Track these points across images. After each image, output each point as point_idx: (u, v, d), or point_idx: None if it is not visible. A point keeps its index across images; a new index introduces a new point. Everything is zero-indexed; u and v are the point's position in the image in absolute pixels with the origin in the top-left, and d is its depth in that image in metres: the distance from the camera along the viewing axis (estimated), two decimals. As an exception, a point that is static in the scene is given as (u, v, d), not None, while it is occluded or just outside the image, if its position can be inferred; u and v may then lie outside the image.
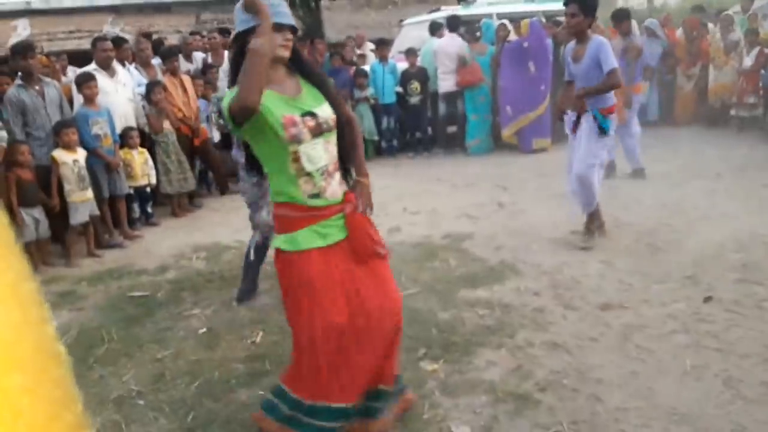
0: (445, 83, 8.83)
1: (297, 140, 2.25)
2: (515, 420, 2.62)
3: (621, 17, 7.13)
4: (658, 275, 4.06)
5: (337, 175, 2.39)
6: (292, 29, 2.33)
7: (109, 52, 6.12)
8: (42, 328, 0.70)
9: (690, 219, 5.14)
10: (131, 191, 6.08)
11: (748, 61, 8.65)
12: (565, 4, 4.47)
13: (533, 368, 3.01)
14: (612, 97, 4.55)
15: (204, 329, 3.73)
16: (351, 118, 2.58)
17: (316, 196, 2.31)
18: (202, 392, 3.01)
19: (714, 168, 6.79)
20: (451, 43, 8.44)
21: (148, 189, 6.35)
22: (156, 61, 7.27)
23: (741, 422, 2.49)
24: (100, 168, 5.63)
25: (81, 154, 5.34)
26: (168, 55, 7.16)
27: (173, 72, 7.00)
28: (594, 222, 4.79)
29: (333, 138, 2.39)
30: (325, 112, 2.36)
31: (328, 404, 2.37)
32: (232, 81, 2.37)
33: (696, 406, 2.62)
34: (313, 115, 2.31)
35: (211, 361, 3.32)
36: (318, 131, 2.31)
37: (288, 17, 2.31)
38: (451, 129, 9.31)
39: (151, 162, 6.33)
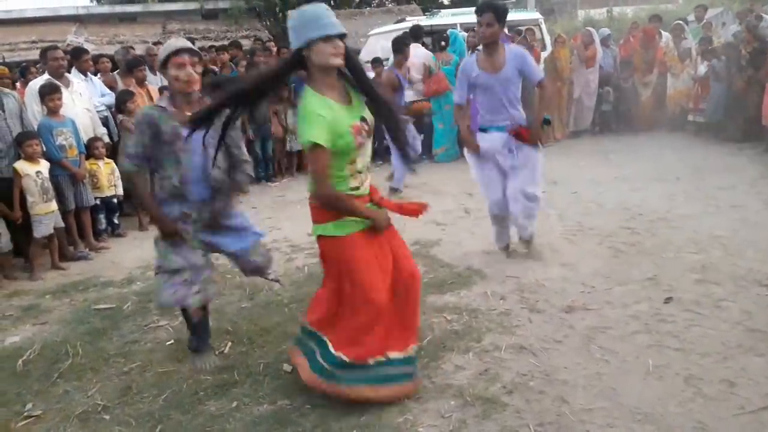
0: (411, 92, 8.89)
1: (360, 145, 2.59)
2: (483, 423, 2.65)
3: (398, 47, 7.32)
4: (619, 277, 4.15)
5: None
6: (341, 36, 2.51)
7: (61, 61, 6.02)
8: None
9: (650, 222, 5.27)
10: (97, 202, 6.00)
11: (702, 69, 8.91)
12: (480, 13, 4.21)
13: (500, 371, 3.05)
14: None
15: (171, 341, 3.69)
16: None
17: (356, 188, 2.71)
18: (169, 405, 2.98)
19: (672, 172, 6.98)
20: (416, 53, 8.51)
21: (115, 200, 6.26)
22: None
23: (702, 420, 2.56)
24: (65, 179, 5.53)
25: (44, 166, 5.24)
26: (135, 65, 7.12)
27: (140, 82, 6.96)
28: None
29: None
30: (369, 114, 2.68)
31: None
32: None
33: (659, 405, 2.69)
34: (365, 119, 2.64)
35: (179, 373, 3.28)
36: (370, 134, 2.67)
37: (336, 27, 2.48)
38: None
39: (117, 173, 6.25)
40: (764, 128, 7.83)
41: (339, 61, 2.51)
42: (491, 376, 3.01)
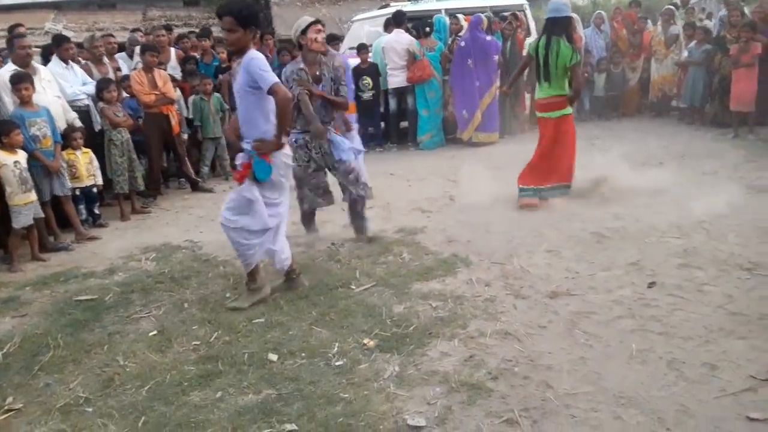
0: (395, 79, 8.85)
1: None
2: (469, 409, 2.66)
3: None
4: (603, 262, 4.17)
5: None
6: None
7: (27, 49, 5.87)
8: None
9: (634, 207, 5.30)
10: (77, 192, 5.91)
11: (686, 54, 8.93)
12: (219, 17, 3.65)
13: (485, 357, 3.06)
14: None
15: (154, 332, 3.65)
16: None
17: None
18: (153, 396, 2.95)
19: (656, 157, 7.01)
20: (399, 39, 8.45)
21: (95, 189, 6.18)
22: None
23: (684, 403, 2.58)
24: (40, 170, 5.40)
25: (22, 156, 5.13)
26: (145, 50, 7.07)
27: (149, 67, 6.92)
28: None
29: None
30: None
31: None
32: None
33: (642, 388, 2.71)
34: None
35: (162, 364, 3.25)
36: None
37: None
38: (404, 124, 9.34)
39: (96, 162, 6.16)
40: (745, 114, 7.85)
41: None
42: (476, 363, 3.01)
